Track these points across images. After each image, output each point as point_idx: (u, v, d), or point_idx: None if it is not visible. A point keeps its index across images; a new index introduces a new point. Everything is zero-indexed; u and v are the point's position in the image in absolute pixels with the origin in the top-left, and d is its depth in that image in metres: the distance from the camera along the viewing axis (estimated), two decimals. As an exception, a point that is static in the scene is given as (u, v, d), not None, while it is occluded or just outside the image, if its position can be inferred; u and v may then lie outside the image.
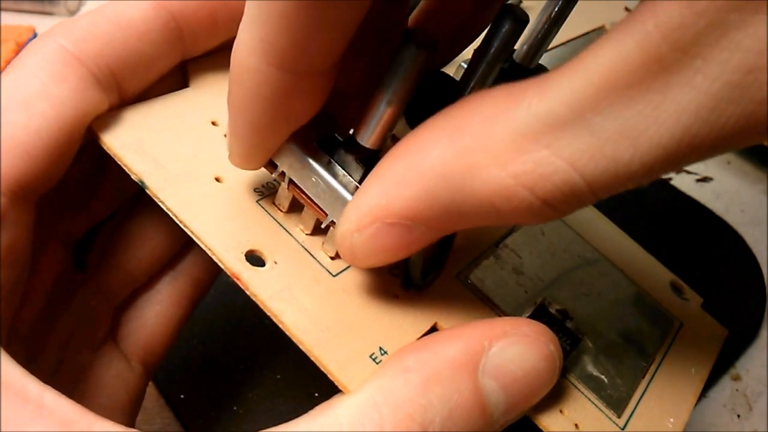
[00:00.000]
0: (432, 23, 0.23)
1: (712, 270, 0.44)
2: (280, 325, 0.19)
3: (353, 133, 0.20)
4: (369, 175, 0.18)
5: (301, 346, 0.19)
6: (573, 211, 0.16)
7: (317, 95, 0.19)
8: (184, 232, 0.20)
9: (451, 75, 0.25)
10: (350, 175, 0.20)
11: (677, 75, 0.14)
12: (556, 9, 0.22)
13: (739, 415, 0.39)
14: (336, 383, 0.19)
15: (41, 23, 0.52)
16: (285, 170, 0.20)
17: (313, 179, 0.20)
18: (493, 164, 0.16)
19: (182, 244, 0.28)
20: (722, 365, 0.41)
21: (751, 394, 0.40)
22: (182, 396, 0.34)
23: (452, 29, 0.23)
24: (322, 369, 0.19)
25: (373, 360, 0.20)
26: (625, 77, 0.14)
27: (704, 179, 0.51)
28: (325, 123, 0.20)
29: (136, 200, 0.27)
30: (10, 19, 0.52)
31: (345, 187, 0.20)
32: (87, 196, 0.25)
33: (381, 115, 0.19)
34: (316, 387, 0.34)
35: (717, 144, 0.14)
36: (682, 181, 0.51)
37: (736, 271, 0.45)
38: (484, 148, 0.16)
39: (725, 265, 0.45)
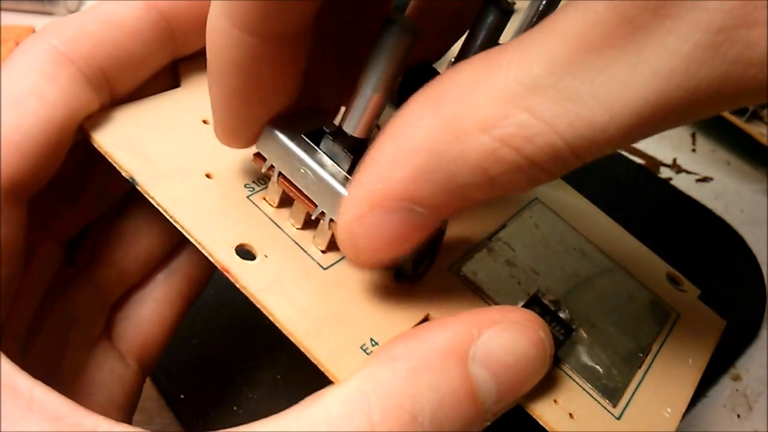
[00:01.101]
0: (422, 16, 0.23)
1: (712, 270, 0.44)
2: (271, 317, 0.19)
3: (340, 122, 0.20)
4: (361, 162, 0.18)
5: (291, 338, 0.19)
6: (563, 173, 0.16)
7: (289, 64, 0.19)
8: (177, 229, 0.21)
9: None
10: (338, 165, 0.20)
11: (649, 36, 0.14)
12: (543, 3, 0.23)
13: (739, 415, 0.39)
14: (326, 374, 0.19)
15: (41, 23, 0.51)
16: (274, 163, 0.20)
17: (302, 170, 0.20)
18: (479, 129, 0.16)
19: (176, 242, 0.28)
20: (722, 365, 0.41)
21: (751, 394, 0.40)
22: (182, 396, 0.34)
23: (442, 22, 0.23)
24: (312, 360, 0.19)
25: (364, 351, 0.20)
26: (598, 40, 0.14)
27: (704, 179, 0.51)
28: (314, 117, 0.21)
29: (129, 198, 0.27)
30: (10, 19, 0.52)
31: (334, 176, 0.20)
32: (79, 194, 0.25)
33: (367, 101, 0.19)
34: (316, 387, 0.34)
35: (693, 108, 0.14)
36: (682, 181, 0.51)
37: (736, 271, 0.45)
38: (467, 115, 0.16)
39: (725, 265, 0.45)
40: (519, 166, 0.16)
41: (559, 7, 0.23)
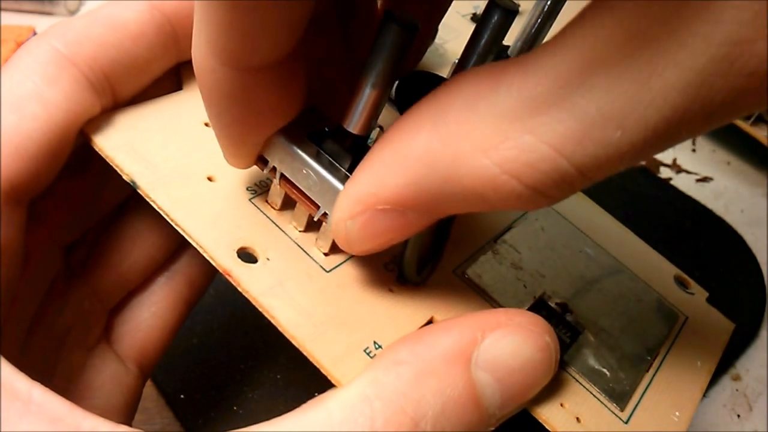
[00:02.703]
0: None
1: (712, 270, 0.44)
2: (272, 321, 0.19)
3: (340, 120, 0.20)
4: (360, 163, 0.18)
5: (293, 341, 0.19)
6: (567, 196, 0.16)
7: (286, 86, 0.18)
8: (178, 233, 0.20)
9: (448, 73, 0.25)
10: (339, 164, 0.20)
11: (660, 51, 0.13)
12: (548, 3, 0.22)
13: (739, 415, 0.39)
14: (329, 377, 0.19)
15: (41, 23, 0.52)
16: (276, 165, 0.20)
17: (304, 171, 0.20)
18: (478, 151, 0.15)
19: (177, 246, 0.28)
20: (722, 365, 0.41)
21: (751, 394, 0.40)
22: (182, 396, 0.34)
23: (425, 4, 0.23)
24: (315, 364, 0.19)
25: (368, 354, 0.20)
26: (606, 56, 0.14)
27: (704, 179, 0.51)
28: (313, 117, 0.20)
29: (129, 202, 0.27)
30: (10, 19, 0.52)
31: (334, 176, 0.20)
32: (79, 198, 0.24)
33: (366, 98, 0.19)
34: (316, 387, 0.33)
35: (708, 119, 0.14)
36: (682, 181, 0.51)
37: (736, 272, 0.45)
38: (466, 134, 0.15)
39: (725, 266, 0.45)
40: (519, 194, 0.15)
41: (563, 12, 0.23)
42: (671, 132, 0.14)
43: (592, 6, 0.14)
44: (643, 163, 0.51)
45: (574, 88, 0.14)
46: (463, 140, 0.15)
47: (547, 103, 0.14)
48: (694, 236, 0.47)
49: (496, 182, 0.15)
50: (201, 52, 0.17)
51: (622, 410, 0.23)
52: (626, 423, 0.22)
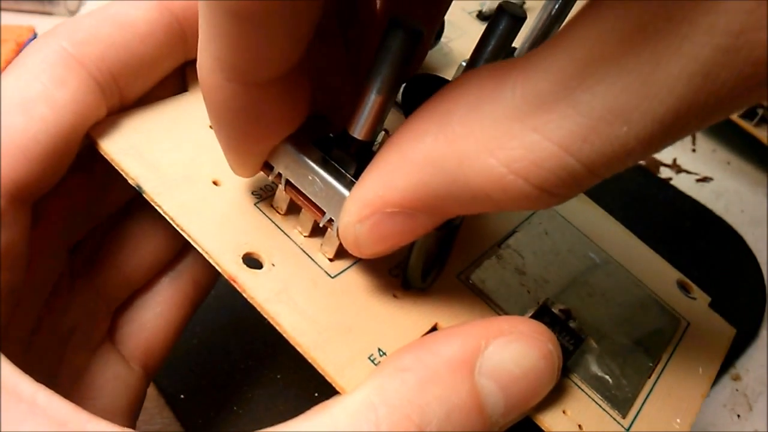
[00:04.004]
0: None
1: (712, 270, 0.44)
2: (278, 328, 0.19)
3: (345, 126, 0.20)
4: (366, 167, 0.18)
5: (298, 348, 0.19)
6: (576, 194, 0.16)
7: (288, 100, 0.18)
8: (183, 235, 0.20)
9: (453, 74, 0.25)
10: (345, 170, 0.20)
11: (663, 44, 0.13)
12: (556, 7, 0.22)
13: (739, 415, 0.39)
14: (333, 385, 0.19)
15: (41, 23, 0.51)
16: (281, 171, 0.20)
17: (309, 177, 0.20)
18: (484, 152, 0.15)
19: (181, 246, 0.28)
20: (722, 365, 0.41)
21: (751, 394, 0.40)
22: (182, 396, 0.34)
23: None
24: (319, 371, 0.19)
25: (372, 361, 0.20)
26: (609, 51, 0.13)
27: (704, 179, 0.51)
28: (317, 123, 0.20)
29: (134, 202, 0.27)
30: (10, 19, 0.52)
31: (340, 182, 0.20)
32: (84, 198, 0.24)
33: (371, 104, 0.19)
34: (316, 387, 0.34)
35: (714, 110, 0.13)
36: (682, 181, 0.51)
37: (736, 271, 0.45)
38: (472, 135, 0.15)
39: (725, 265, 0.45)
40: (526, 194, 0.15)
41: (571, 14, 0.23)
42: (678, 125, 0.14)
43: (593, 2, 0.14)
44: (643, 163, 0.51)
45: (577, 84, 0.14)
46: (469, 141, 0.15)
47: (551, 101, 0.14)
48: (694, 236, 0.47)
49: (503, 182, 0.15)
50: (207, 69, 0.17)
51: (624, 417, 0.23)
52: (627, 430, 0.22)
